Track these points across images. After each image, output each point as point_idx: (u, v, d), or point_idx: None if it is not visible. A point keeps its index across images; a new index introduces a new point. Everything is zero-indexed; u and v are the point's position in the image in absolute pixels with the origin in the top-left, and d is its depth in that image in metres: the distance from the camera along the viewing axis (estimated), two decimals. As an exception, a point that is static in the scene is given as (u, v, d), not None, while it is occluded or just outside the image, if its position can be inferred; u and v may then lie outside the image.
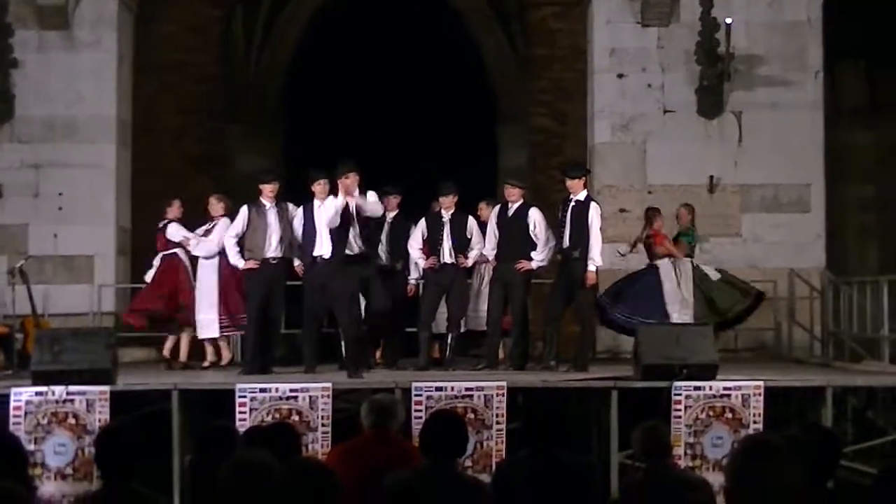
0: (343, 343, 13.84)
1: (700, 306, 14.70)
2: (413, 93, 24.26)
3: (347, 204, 13.50)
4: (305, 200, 13.97)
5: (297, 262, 13.94)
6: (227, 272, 14.73)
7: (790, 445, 5.26)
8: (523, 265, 14.04)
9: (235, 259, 14.05)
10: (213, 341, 15.16)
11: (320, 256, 13.69)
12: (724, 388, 11.68)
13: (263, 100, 24.84)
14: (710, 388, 11.68)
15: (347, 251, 13.67)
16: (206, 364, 15.06)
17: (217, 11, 22.32)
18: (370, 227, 13.98)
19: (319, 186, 13.79)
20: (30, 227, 17.09)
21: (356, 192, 13.59)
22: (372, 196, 13.88)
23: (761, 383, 11.78)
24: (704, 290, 14.83)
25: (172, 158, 21.20)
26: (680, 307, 14.56)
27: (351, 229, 13.66)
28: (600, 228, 13.99)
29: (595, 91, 17.55)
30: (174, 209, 15.44)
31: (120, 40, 17.55)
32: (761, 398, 11.64)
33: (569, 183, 14.15)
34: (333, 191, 13.66)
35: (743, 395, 11.64)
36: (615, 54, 17.41)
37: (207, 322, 14.97)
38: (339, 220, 13.52)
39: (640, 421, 8.08)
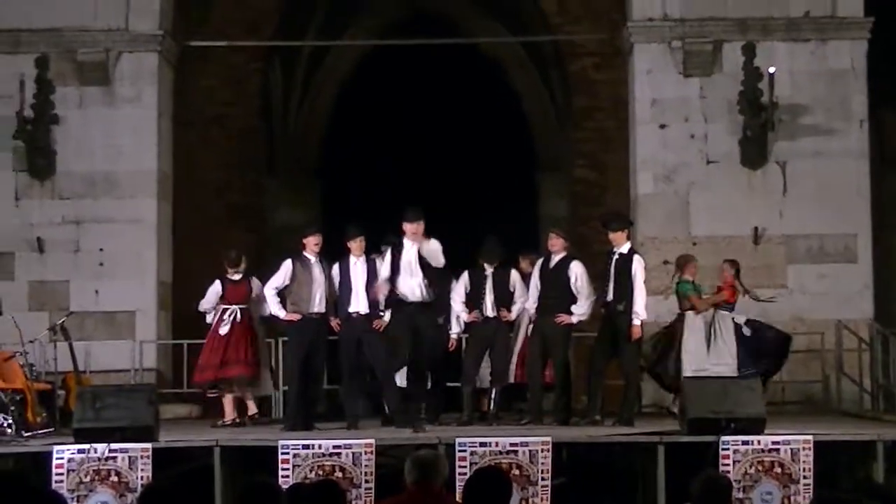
0: (385, 399, 13.93)
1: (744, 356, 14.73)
2: (454, 143, 24.31)
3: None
4: (341, 256, 14.06)
5: (333, 319, 14.00)
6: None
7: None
8: (563, 319, 14.02)
9: (276, 309, 14.05)
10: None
11: (356, 312, 13.83)
12: (773, 443, 11.61)
13: (302, 152, 24.97)
14: (759, 442, 11.61)
15: (418, 299, 13.74)
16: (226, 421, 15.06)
17: (255, 64, 22.49)
18: (435, 274, 13.98)
19: (356, 243, 13.95)
20: (71, 283, 17.21)
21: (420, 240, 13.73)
22: (435, 244, 13.89)
23: (811, 437, 11.70)
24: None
25: (212, 212, 21.33)
26: (697, 358, 14.60)
27: (418, 277, 13.75)
28: (644, 281, 13.98)
29: (637, 141, 17.57)
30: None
31: (160, 95, 17.71)
32: (811, 452, 11.56)
33: (611, 235, 14.17)
34: (370, 248, 13.91)
35: (792, 450, 11.57)
36: (657, 105, 17.44)
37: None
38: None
39: (688, 476, 8.03)
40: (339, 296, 13.95)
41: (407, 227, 13.74)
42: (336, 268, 14.00)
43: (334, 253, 14.21)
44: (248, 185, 22.50)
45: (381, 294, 13.72)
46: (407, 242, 13.80)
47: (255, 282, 15.00)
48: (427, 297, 13.80)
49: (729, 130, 17.27)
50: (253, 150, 22.74)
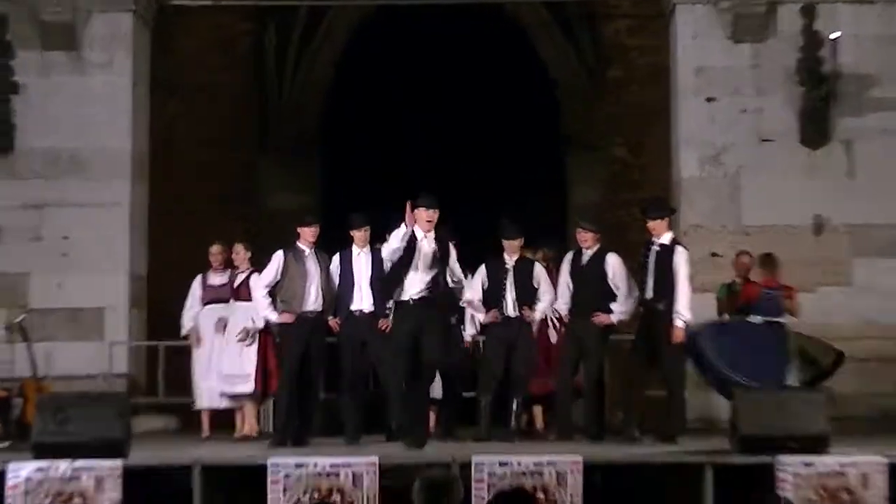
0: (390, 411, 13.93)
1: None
2: (470, 119, 24.21)
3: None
4: (343, 247, 14.04)
5: (331, 318, 13.98)
6: None
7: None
8: (601, 318, 13.98)
9: (267, 311, 14.08)
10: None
11: (359, 310, 13.88)
12: (840, 465, 11.43)
13: (300, 127, 24.86)
14: (823, 464, 11.43)
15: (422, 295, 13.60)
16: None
17: (246, 25, 22.49)
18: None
19: (360, 233, 13.98)
20: (31, 276, 17.04)
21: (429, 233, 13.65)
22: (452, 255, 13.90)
23: (884, 459, 11.52)
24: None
25: (196, 195, 21.32)
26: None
27: (432, 273, 13.61)
28: (689, 276, 13.87)
29: (680, 117, 17.46)
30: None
31: (135, 61, 17.59)
32: (885, 477, 11.38)
33: (650, 224, 14.15)
34: (374, 238, 13.96)
35: (862, 473, 11.38)
36: (703, 74, 17.31)
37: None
38: (398, 255, 13.50)
39: (739, 502, 7.88)
40: (339, 292, 13.96)
41: (422, 213, 13.54)
42: (336, 260, 14.05)
43: (336, 241, 14.19)
44: (238, 163, 22.55)
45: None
46: (419, 233, 13.63)
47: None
48: (432, 293, 13.64)
49: (785, 104, 17.13)
50: (244, 123, 22.80)
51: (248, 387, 15.03)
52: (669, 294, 13.76)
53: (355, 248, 14.00)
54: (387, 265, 13.62)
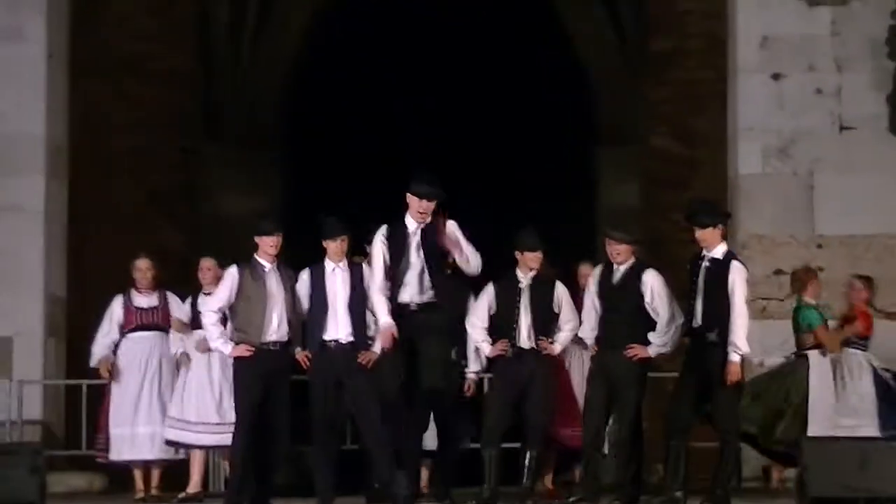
0: (374, 465, 13.95)
1: None
2: (476, 102, 24.31)
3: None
4: (313, 262, 14.08)
5: (298, 350, 14.02)
6: None
7: None
8: (636, 352, 13.95)
9: (219, 343, 14.07)
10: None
11: (334, 341, 13.89)
12: (937, 536, 11.61)
13: (257, 111, 24.98)
14: (915, 534, 11.60)
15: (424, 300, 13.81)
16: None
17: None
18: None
19: (336, 244, 13.95)
20: (-82, 299, 17.17)
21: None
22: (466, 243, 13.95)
23: None
24: None
25: (127, 196, 21.31)
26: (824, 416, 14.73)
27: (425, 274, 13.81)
28: (746, 300, 13.87)
29: (739, 99, 17.54)
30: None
31: (50, 29, 17.67)
32: None
33: (699, 233, 14.02)
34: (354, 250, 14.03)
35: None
36: (769, 45, 17.40)
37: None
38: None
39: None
40: (309, 318, 14.00)
41: (413, 201, 13.72)
42: (306, 278, 14.05)
43: (302, 257, 14.22)
44: (178, 156, 22.52)
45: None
46: (411, 223, 13.76)
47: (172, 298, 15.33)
48: (433, 297, 13.82)
49: (872, 83, 17.24)
50: (188, 107, 22.78)
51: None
52: (723, 321, 13.66)
53: (329, 263, 13.94)
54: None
